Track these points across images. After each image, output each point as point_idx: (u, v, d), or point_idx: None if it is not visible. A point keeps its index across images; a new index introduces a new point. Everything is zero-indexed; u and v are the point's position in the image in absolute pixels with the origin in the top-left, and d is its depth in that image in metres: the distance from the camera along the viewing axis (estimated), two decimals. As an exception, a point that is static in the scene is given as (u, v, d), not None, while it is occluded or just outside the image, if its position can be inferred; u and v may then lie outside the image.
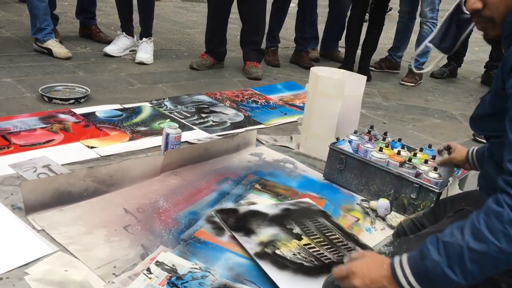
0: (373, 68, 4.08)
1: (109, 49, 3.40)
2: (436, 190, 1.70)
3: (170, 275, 1.28)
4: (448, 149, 1.60)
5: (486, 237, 0.89)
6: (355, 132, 2.07)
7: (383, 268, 1.01)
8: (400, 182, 1.79)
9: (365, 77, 2.26)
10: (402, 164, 1.83)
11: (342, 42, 4.25)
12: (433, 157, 1.91)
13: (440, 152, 1.64)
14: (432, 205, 1.61)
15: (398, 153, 1.90)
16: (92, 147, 2.01)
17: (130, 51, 3.46)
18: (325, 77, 2.15)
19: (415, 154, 1.91)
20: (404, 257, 0.99)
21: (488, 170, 1.16)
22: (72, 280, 1.23)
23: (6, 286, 1.19)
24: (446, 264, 0.92)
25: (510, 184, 0.91)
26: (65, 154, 1.91)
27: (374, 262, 1.03)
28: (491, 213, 0.91)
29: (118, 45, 3.43)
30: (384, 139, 2.03)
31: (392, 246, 1.18)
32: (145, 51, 3.35)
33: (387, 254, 1.14)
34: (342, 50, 4.23)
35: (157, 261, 1.32)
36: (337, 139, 2.04)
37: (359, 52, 3.86)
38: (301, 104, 2.92)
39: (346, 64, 3.74)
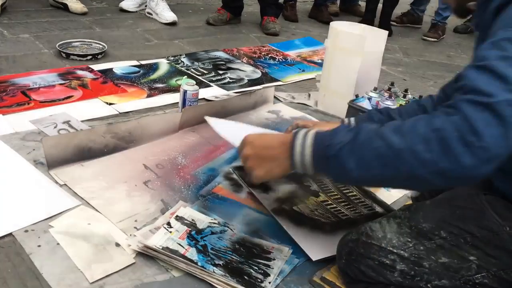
0: (394, 23, 3.96)
1: (125, 4, 3.35)
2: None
3: (190, 229, 1.31)
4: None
5: (404, 133, 0.84)
6: (375, 89, 2.03)
7: (284, 136, 1.01)
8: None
9: (386, 32, 2.19)
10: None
11: (362, -5, 4.12)
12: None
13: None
14: None
15: (419, 110, 1.87)
16: (110, 104, 2.02)
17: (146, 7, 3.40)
18: (345, 32, 2.10)
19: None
20: (313, 130, 0.96)
21: None
22: (95, 233, 1.27)
23: (31, 238, 1.23)
24: (349, 146, 0.89)
25: (456, 108, 0.82)
26: (84, 111, 1.92)
27: (277, 134, 1.03)
28: (425, 116, 0.86)
29: (134, 0, 3.38)
30: (404, 96, 2.00)
31: (409, 211, 1.16)
32: (168, 9, 3.28)
33: (402, 219, 1.13)
34: (362, 4, 4.10)
35: (177, 216, 1.35)
36: (356, 96, 2.01)
37: (380, 6, 3.74)
38: (320, 61, 2.87)
39: (367, 18, 3.64)
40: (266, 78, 2.56)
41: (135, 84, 2.24)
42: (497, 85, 0.81)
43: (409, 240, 1.08)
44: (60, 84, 2.13)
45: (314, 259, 1.26)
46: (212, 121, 1.42)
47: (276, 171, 1.02)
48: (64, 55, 2.43)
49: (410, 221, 1.11)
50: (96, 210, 1.36)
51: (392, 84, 2.10)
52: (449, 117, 0.81)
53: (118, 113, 1.96)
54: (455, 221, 1.06)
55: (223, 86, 2.38)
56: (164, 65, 2.51)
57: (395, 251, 1.07)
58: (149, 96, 2.15)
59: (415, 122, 0.85)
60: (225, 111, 2.01)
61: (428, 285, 1.06)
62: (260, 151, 1.03)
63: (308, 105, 2.27)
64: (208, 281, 1.16)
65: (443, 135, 0.80)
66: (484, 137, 0.78)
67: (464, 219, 1.06)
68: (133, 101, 2.08)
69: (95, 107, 1.98)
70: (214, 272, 1.17)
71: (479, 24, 1.07)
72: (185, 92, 1.92)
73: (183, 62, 2.60)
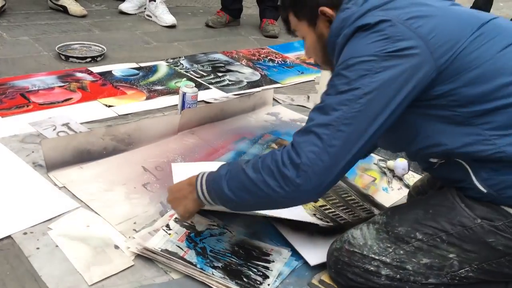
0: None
1: (124, 6, 3.35)
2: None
3: (189, 231, 1.31)
4: None
5: (257, 168, 1.03)
6: (374, 92, 2.03)
7: (190, 180, 1.19)
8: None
9: (385, 35, 2.20)
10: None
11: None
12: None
13: None
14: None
15: (417, 113, 1.87)
16: (109, 106, 2.02)
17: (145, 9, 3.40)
18: (344, 35, 2.10)
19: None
20: (207, 172, 1.16)
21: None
22: (94, 235, 1.27)
23: (30, 240, 1.23)
24: (225, 179, 1.08)
25: (292, 141, 1.03)
26: (83, 113, 1.92)
27: (186, 180, 1.21)
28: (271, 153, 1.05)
29: (133, 3, 3.38)
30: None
31: (386, 215, 1.18)
32: (167, 12, 3.28)
33: (380, 224, 1.15)
34: (361, 7, 4.11)
35: (176, 218, 1.35)
36: (355, 98, 2.01)
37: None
38: (319, 63, 2.87)
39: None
40: (265, 80, 2.56)
41: (134, 87, 2.24)
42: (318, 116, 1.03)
43: (389, 245, 1.10)
44: (59, 86, 2.13)
45: (312, 264, 1.26)
46: (175, 169, 1.56)
47: (191, 206, 1.19)
48: (63, 57, 2.43)
49: (386, 226, 1.13)
50: (95, 213, 1.36)
51: (391, 86, 2.10)
52: (284, 148, 1.02)
53: (117, 115, 1.96)
54: (428, 221, 1.08)
55: (222, 88, 2.38)
56: (163, 68, 2.51)
57: (377, 257, 1.10)
58: (148, 98, 2.15)
59: (265, 160, 1.04)
60: (224, 114, 2.01)
61: (416, 285, 1.07)
62: (175, 194, 1.22)
63: (307, 107, 2.27)
64: (207, 283, 1.16)
65: (277, 161, 1.01)
66: (302, 157, 0.98)
67: (436, 218, 1.08)
68: (132, 104, 2.08)
69: (94, 110, 1.98)
70: (213, 274, 1.17)
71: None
72: (184, 94, 1.92)
73: (182, 64, 2.60)
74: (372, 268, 1.10)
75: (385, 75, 0.96)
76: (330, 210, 1.50)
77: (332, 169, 0.97)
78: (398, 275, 1.08)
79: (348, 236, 1.16)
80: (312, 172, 0.97)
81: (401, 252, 1.09)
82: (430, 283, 1.08)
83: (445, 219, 1.06)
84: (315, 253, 1.28)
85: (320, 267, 1.26)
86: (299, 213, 1.41)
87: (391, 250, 1.10)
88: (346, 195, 1.59)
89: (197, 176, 1.16)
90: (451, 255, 1.06)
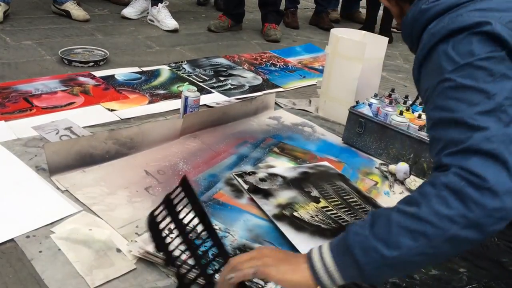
0: (395, 30, 3.97)
1: (127, 11, 3.37)
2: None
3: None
4: None
5: (416, 202, 0.77)
6: (375, 96, 2.04)
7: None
8: (420, 146, 1.78)
9: (386, 39, 2.21)
10: (422, 128, 1.81)
11: (363, 2, 4.14)
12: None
13: None
14: None
15: (419, 116, 1.88)
16: (112, 110, 2.03)
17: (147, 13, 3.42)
18: (346, 39, 2.11)
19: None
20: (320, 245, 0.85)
21: None
22: (96, 238, 1.28)
23: (33, 244, 1.24)
24: (371, 233, 0.78)
25: (443, 166, 0.79)
26: (86, 117, 1.93)
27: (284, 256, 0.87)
28: (426, 182, 0.81)
29: (136, 8, 3.40)
30: (405, 102, 2.00)
31: None
32: (170, 16, 3.29)
33: None
34: (363, 11, 4.12)
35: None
36: (357, 102, 2.01)
37: (380, 12, 3.76)
38: (320, 67, 2.88)
39: (367, 25, 3.66)
40: (267, 85, 2.57)
41: (136, 91, 2.25)
42: (464, 132, 0.79)
43: None
44: (62, 90, 2.14)
45: (314, 265, 1.26)
46: None
47: (292, 277, 0.82)
48: (66, 61, 2.44)
49: None
50: (98, 216, 1.37)
51: (393, 90, 2.10)
52: (447, 173, 0.77)
53: (119, 119, 1.97)
54: None
55: (224, 92, 2.39)
56: (165, 72, 2.52)
57: None
58: (150, 102, 2.16)
59: (420, 190, 0.80)
60: (226, 118, 2.02)
61: None
62: (276, 253, 0.88)
63: (309, 112, 2.27)
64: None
65: (453, 187, 0.75)
66: (487, 178, 0.74)
67: None
68: (134, 108, 2.08)
69: (96, 114, 1.98)
70: (214, 277, 1.17)
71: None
72: (186, 98, 1.93)
73: (184, 68, 2.61)
74: None
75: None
76: (332, 212, 1.50)
77: None
78: (405, 284, 1.06)
79: None
80: (503, 189, 0.74)
81: None
82: None
83: None
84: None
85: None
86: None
87: None
88: (348, 196, 1.59)
89: (309, 252, 0.84)
90: (461, 269, 1.04)
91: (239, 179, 1.61)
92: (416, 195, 0.79)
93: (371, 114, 1.94)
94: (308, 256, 0.83)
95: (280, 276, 0.82)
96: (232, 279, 0.84)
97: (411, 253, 0.76)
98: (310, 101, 2.39)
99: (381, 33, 3.31)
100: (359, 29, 3.18)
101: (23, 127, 1.79)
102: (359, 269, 0.78)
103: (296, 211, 1.48)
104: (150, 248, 1.22)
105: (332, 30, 2.22)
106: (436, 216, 0.75)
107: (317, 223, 1.43)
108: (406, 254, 0.76)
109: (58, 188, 1.46)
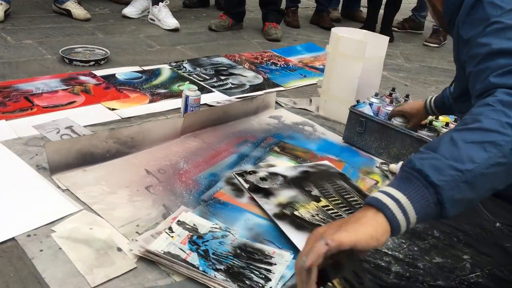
0: (395, 29, 3.98)
1: (128, 11, 3.37)
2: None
3: (192, 234, 1.31)
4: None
5: (475, 118, 0.76)
6: (376, 95, 2.04)
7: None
8: (421, 145, 1.77)
9: (387, 38, 2.20)
10: (422, 127, 1.81)
11: (364, 1, 4.13)
12: (455, 120, 1.89)
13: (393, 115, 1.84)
14: None
15: (420, 116, 1.87)
16: (113, 109, 2.03)
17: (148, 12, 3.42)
18: (346, 38, 2.11)
19: (436, 117, 1.89)
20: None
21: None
22: (97, 237, 1.28)
23: (34, 243, 1.24)
24: (441, 155, 0.73)
25: (490, 88, 0.81)
26: (86, 116, 1.93)
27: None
28: (472, 110, 0.80)
29: (136, 7, 3.40)
30: (405, 101, 2.00)
31: None
32: (170, 16, 3.29)
33: None
34: (364, 10, 4.12)
35: (178, 221, 1.35)
36: (358, 101, 2.01)
37: (381, 12, 3.76)
38: (321, 66, 2.88)
39: (368, 24, 3.65)
40: (267, 84, 2.57)
41: (137, 90, 2.25)
42: None
43: (404, 241, 1.08)
44: (63, 89, 2.14)
45: (315, 264, 1.26)
46: None
47: (366, 230, 0.71)
48: (67, 60, 2.44)
49: None
50: (98, 215, 1.37)
51: (393, 89, 2.10)
52: (496, 93, 0.79)
53: (120, 118, 1.97)
54: (447, 220, 1.06)
55: (225, 91, 2.39)
56: (166, 71, 2.52)
57: (390, 252, 1.08)
58: (151, 101, 2.16)
59: (474, 111, 0.78)
60: (226, 117, 2.02)
61: (424, 285, 1.06)
62: (332, 224, 0.76)
63: (309, 111, 2.27)
64: (210, 286, 1.16)
65: (507, 101, 0.76)
66: None
67: (456, 217, 1.04)
68: (135, 107, 2.09)
69: (97, 113, 1.99)
70: (215, 277, 1.18)
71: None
72: (187, 97, 1.93)
73: (185, 67, 2.61)
74: (383, 264, 1.07)
75: None
76: (333, 211, 1.50)
77: None
78: (408, 273, 1.06)
79: None
80: None
81: (415, 248, 1.06)
82: (438, 285, 1.05)
83: (465, 219, 1.05)
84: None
85: (322, 269, 1.26)
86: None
87: (405, 246, 1.07)
88: (349, 195, 1.59)
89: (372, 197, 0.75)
90: (465, 256, 1.04)
91: (240, 178, 1.61)
92: (472, 116, 0.77)
93: (371, 114, 1.94)
94: (370, 202, 0.74)
95: (353, 236, 0.70)
96: (305, 261, 0.71)
97: (485, 164, 0.72)
98: (310, 100, 2.39)
99: (382, 32, 3.31)
100: (360, 28, 3.17)
101: (24, 126, 1.79)
102: (436, 192, 0.71)
103: (296, 210, 1.48)
104: (151, 247, 1.23)
105: (332, 29, 2.22)
106: (501, 125, 0.74)
107: (317, 222, 1.43)
108: (481, 166, 0.72)
109: (58, 187, 1.46)
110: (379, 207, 0.72)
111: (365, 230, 0.71)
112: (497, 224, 1.02)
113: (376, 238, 0.71)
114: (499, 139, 0.73)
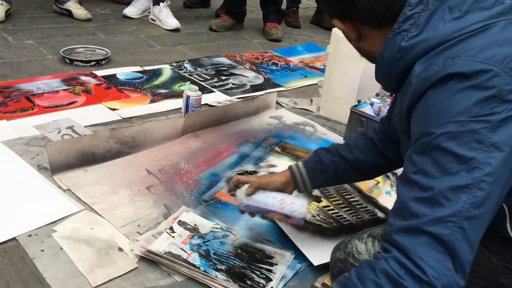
0: (396, 29, 3.97)
1: (128, 11, 3.37)
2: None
3: (192, 234, 1.31)
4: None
5: (354, 285, 0.78)
6: (377, 95, 2.04)
7: None
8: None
9: (388, 38, 2.20)
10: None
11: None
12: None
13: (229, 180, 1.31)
14: None
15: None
16: (114, 109, 2.03)
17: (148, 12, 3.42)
18: (347, 39, 2.10)
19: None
20: None
21: None
22: (98, 237, 1.28)
23: (35, 243, 1.24)
24: None
25: (391, 242, 0.78)
26: (87, 116, 1.93)
27: None
28: (365, 264, 0.81)
29: (137, 7, 3.40)
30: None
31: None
32: (171, 16, 3.29)
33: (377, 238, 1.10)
34: (364, 10, 4.11)
35: (179, 221, 1.36)
36: (359, 101, 2.01)
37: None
38: (322, 66, 2.88)
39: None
40: (268, 84, 2.57)
41: (138, 90, 2.25)
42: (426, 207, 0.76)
43: None
44: (64, 89, 2.14)
45: (315, 264, 1.26)
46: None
47: None
48: (68, 61, 2.44)
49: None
50: (99, 215, 1.37)
51: (394, 90, 2.10)
52: (389, 257, 0.77)
53: (121, 118, 1.97)
54: None
55: (225, 91, 2.39)
56: (167, 71, 2.52)
57: None
58: (152, 101, 2.16)
59: (359, 271, 0.80)
60: (227, 117, 2.02)
61: None
62: None
63: (310, 111, 2.27)
64: (211, 286, 1.16)
65: (392, 277, 0.74)
66: (426, 271, 0.73)
67: None
68: (136, 107, 2.09)
69: (98, 113, 1.99)
70: (216, 277, 1.18)
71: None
72: (188, 97, 1.93)
73: (186, 68, 2.61)
74: None
75: (505, 148, 0.75)
76: (334, 211, 1.50)
77: (461, 275, 0.76)
78: None
79: (353, 249, 1.14)
80: (440, 285, 0.73)
81: None
82: None
83: None
84: (318, 254, 1.29)
85: (323, 269, 1.26)
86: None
87: None
88: (350, 196, 1.59)
89: None
90: None
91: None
92: (354, 278, 0.78)
93: (372, 114, 1.94)
94: None
95: None
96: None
97: None
98: (311, 101, 2.39)
99: (383, 32, 3.29)
100: (361, 28, 3.17)
101: (25, 126, 1.79)
102: None
103: (297, 210, 1.47)
104: (152, 247, 1.23)
105: (333, 29, 2.22)
106: None
107: (318, 222, 1.43)
108: None
109: (60, 187, 1.46)
110: None
111: None
112: (492, 260, 0.98)
113: None
114: None
